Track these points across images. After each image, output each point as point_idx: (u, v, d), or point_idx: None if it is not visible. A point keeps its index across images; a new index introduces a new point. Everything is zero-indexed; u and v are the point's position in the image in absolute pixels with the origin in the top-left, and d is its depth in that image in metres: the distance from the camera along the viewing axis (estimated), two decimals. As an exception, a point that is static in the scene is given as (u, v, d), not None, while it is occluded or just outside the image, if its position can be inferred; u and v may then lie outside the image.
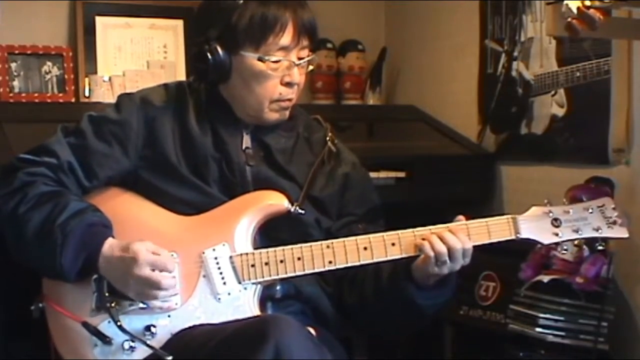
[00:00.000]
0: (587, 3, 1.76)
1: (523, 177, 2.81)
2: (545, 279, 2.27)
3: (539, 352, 2.29)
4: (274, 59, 1.88)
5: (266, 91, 1.91)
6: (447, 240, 1.79)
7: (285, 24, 1.87)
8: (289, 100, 1.94)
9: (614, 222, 1.87)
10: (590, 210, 1.87)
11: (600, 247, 1.90)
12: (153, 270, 1.73)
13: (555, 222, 1.86)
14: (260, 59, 1.88)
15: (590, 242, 1.90)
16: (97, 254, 1.76)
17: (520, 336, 2.32)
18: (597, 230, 1.86)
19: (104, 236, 1.79)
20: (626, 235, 1.87)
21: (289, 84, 1.92)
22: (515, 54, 2.84)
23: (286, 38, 1.88)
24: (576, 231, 1.86)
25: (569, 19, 1.77)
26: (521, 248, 2.38)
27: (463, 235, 1.81)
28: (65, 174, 1.88)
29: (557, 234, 1.85)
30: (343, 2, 3.35)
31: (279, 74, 1.90)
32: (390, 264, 1.87)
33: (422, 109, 3.23)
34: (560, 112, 2.67)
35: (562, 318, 2.27)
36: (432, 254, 1.78)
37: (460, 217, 1.84)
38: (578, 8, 1.76)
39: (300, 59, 1.92)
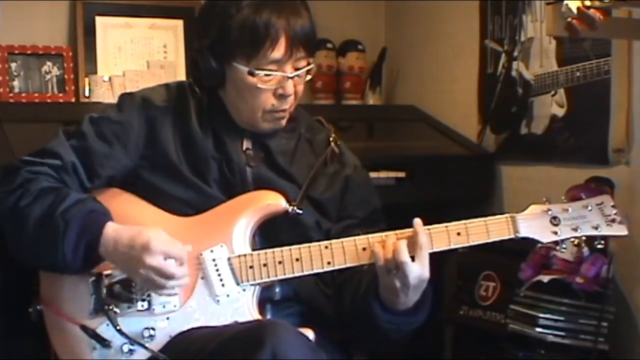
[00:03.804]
0: (587, 3, 1.76)
1: (523, 177, 2.81)
2: (545, 279, 2.27)
3: (539, 352, 2.29)
4: (265, 73, 1.85)
5: (259, 103, 1.88)
6: (397, 248, 1.74)
7: (276, 37, 1.82)
8: (283, 111, 1.92)
9: (613, 220, 1.85)
10: (589, 208, 1.86)
11: (599, 246, 1.89)
12: (165, 259, 1.71)
13: (554, 221, 1.84)
14: (250, 73, 1.85)
15: (590, 240, 1.89)
16: (98, 238, 1.74)
17: (520, 336, 2.32)
18: (596, 228, 1.84)
19: (104, 221, 1.77)
20: (625, 232, 1.86)
21: (282, 96, 1.89)
22: (515, 54, 2.84)
23: (278, 52, 1.83)
24: (575, 229, 1.84)
25: (569, 19, 1.77)
26: (521, 248, 2.38)
27: (424, 239, 1.75)
28: (68, 174, 1.87)
29: (556, 233, 1.84)
30: (343, 2, 3.35)
31: (272, 86, 1.87)
32: (368, 278, 1.85)
33: (422, 109, 3.23)
34: (560, 112, 2.67)
35: (562, 318, 2.27)
36: (381, 261, 1.75)
37: (417, 220, 1.79)
38: (578, 8, 1.76)
39: (297, 69, 1.87)
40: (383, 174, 2.73)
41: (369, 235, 1.81)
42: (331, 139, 2.04)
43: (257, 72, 1.84)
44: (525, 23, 2.80)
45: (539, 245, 2.33)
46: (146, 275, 1.71)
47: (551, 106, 2.70)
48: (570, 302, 2.27)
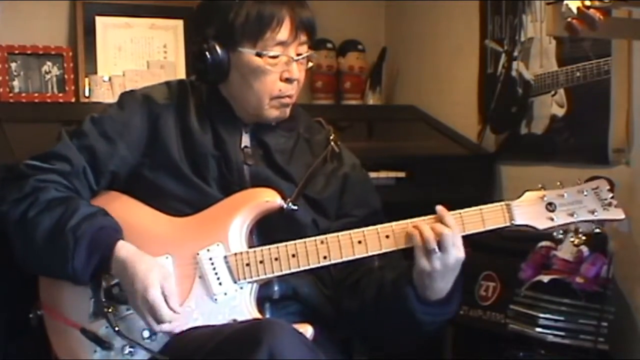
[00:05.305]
0: (587, 3, 1.76)
1: (523, 177, 2.81)
2: (545, 279, 2.27)
3: (539, 352, 2.29)
4: (271, 54, 1.88)
5: (265, 87, 1.90)
6: (435, 226, 1.76)
7: (282, 19, 1.86)
8: (289, 96, 1.93)
9: (610, 204, 1.83)
10: (585, 193, 1.84)
11: (597, 230, 1.87)
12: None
13: (550, 207, 1.82)
14: (258, 54, 1.87)
15: (590, 239, 1.88)
16: (109, 256, 1.75)
17: (520, 336, 2.32)
18: (592, 212, 1.82)
19: (115, 238, 1.78)
20: (622, 216, 1.83)
21: (288, 80, 1.91)
22: (515, 54, 2.84)
23: (283, 33, 1.87)
24: (571, 215, 1.82)
25: (569, 19, 1.77)
26: (521, 248, 2.39)
27: (451, 221, 1.77)
28: (78, 178, 1.88)
29: (552, 219, 1.82)
30: (343, 2, 3.35)
31: (278, 69, 1.89)
32: (394, 272, 1.85)
33: (422, 109, 3.23)
34: (560, 112, 2.67)
35: (562, 318, 2.27)
36: (420, 242, 1.75)
37: (439, 206, 1.80)
38: (578, 8, 1.76)
39: (299, 55, 1.91)
40: (383, 174, 2.73)
41: (364, 229, 1.81)
42: (331, 138, 2.04)
43: (263, 53, 1.87)
44: (525, 23, 2.80)
45: (539, 245, 2.35)
46: (141, 307, 1.72)
47: (551, 106, 2.70)
48: (570, 302, 2.27)
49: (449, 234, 1.75)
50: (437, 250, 1.74)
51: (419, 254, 1.76)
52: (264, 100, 1.92)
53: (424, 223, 1.78)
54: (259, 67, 1.88)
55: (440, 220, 1.78)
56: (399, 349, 1.98)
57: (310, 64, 1.97)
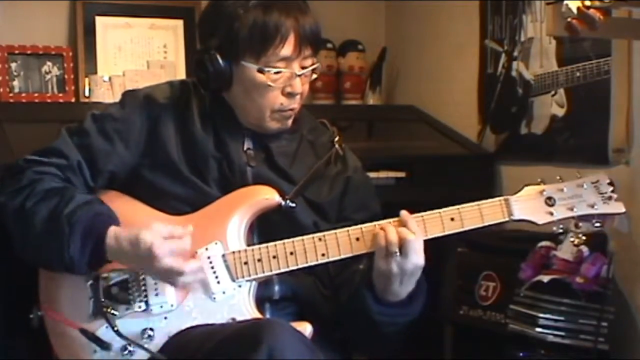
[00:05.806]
0: (587, 3, 1.76)
1: (523, 177, 2.77)
2: (545, 279, 2.27)
3: (539, 352, 2.29)
4: (274, 70, 1.86)
5: (267, 101, 1.89)
6: (400, 230, 1.76)
7: (286, 35, 1.83)
8: (291, 109, 1.93)
9: (610, 198, 1.83)
10: (585, 187, 1.83)
11: (597, 224, 1.86)
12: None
13: (549, 201, 1.82)
14: (260, 71, 1.85)
15: (587, 219, 1.87)
16: (102, 243, 1.75)
17: (520, 336, 2.32)
18: (592, 206, 1.82)
19: (108, 224, 1.77)
20: (622, 210, 1.83)
21: (290, 94, 1.89)
22: (515, 54, 2.84)
23: (287, 49, 1.85)
24: (571, 209, 1.81)
25: (569, 19, 1.77)
26: (521, 248, 2.39)
27: (415, 226, 1.77)
28: (74, 173, 1.88)
29: (551, 213, 1.81)
30: (343, 2, 3.35)
31: (280, 84, 1.88)
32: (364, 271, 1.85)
33: (422, 109, 3.23)
34: (560, 112, 2.67)
35: (562, 318, 2.27)
36: (383, 244, 1.76)
37: (403, 211, 1.80)
38: (578, 8, 1.76)
39: (303, 67, 1.89)
40: (383, 174, 2.73)
41: (362, 225, 1.82)
42: (335, 140, 2.04)
43: (266, 69, 1.85)
44: (525, 23, 2.80)
45: (539, 244, 2.35)
46: (161, 275, 1.73)
47: (551, 106, 2.70)
48: (570, 302, 2.27)
49: (412, 239, 1.75)
50: (398, 253, 1.75)
51: (379, 256, 1.77)
52: (266, 113, 1.91)
53: (390, 225, 1.78)
54: (262, 82, 1.87)
55: (404, 225, 1.78)
56: (372, 351, 1.98)
57: (315, 76, 1.94)
